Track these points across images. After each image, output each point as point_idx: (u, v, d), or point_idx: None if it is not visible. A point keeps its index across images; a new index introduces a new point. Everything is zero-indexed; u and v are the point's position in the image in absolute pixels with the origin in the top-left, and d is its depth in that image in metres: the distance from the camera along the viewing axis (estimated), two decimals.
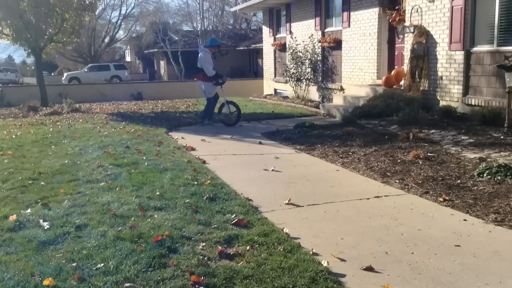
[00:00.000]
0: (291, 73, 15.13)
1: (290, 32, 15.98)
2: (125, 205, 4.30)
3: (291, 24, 16.00)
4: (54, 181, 5.30)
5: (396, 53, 11.41)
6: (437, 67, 9.32)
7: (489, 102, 8.07)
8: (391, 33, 11.46)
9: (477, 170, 5.15)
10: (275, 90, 18.10)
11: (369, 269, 2.97)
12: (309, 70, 14.59)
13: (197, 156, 6.51)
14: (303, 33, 15.05)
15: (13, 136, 9.10)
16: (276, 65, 18.01)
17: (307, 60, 14.59)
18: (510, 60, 7.33)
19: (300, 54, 14.77)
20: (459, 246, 3.32)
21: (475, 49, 8.55)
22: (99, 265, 3.04)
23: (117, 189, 4.86)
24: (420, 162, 5.74)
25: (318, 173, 5.63)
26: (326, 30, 14.01)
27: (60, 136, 8.80)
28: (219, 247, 3.30)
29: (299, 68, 14.82)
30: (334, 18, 13.71)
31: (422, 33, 9.51)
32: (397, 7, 10.73)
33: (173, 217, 3.95)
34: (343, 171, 5.69)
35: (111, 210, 4.14)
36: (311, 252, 3.22)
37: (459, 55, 8.77)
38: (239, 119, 10.09)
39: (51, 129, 9.95)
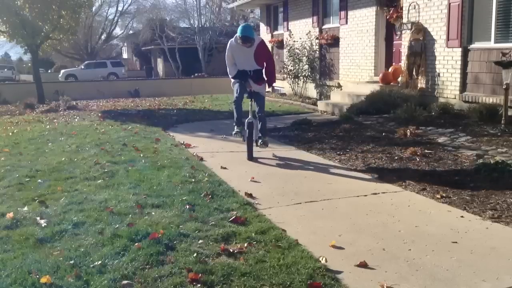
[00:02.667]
0: (288, 70, 15.11)
1: (288, 29, 15.95)
2: (122, 202, 4.30)
3: (289, 21, 15.97)
4: (51, 179, 5.29)
5: (393, 50, 11.41)
6: (435, 64, 9.32)
7: (486, 99, 8.08)
8: (388, 30, 11.45)
9: (474, 166, 5.16)
10: (272, 87, 18.06)
11: (367, 265, 2.98)
12: (306, 67, 14.57)
13: (194, 154, 6.50)
14: (301, 30, 15.02)
15: (10, 134, 9.07)
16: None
17: (304, 57, 14.57)
18: (507, 57, 7.35)
19: (298, 51, 14.75)
20: (456, 242, 3.32)
21: (472, 46, 8.56)
22: (96, 263, 3.03)
23: (114, 186, 4.85)
24: (418, 159, 5.75)
25: (315, 170, 5.62)
26: (324, 27, 14.00)
27: (57, 133, 8.77)
28: (217, 245, 3.30)
29: (296, 65, 14.81)
30: (331, 15, 13.69)
31: (420, 30, 9.51)
32: (394, 4, 10.73)
33: (170, 214, 3.94)
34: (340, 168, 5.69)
35: (108, 207, 4.14)
36: (308, 249, 3.22)
37: (457, 52, 8.77)
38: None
39: (48, 126, 9.92)
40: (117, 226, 3.68)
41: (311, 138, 7.56)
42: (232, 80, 6.45)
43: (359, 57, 12.20)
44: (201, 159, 6.19)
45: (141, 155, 6.39)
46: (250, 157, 6.18)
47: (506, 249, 3.20)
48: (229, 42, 6.30)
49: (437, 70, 9.28)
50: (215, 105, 13.39)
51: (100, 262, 3.04)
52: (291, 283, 2.76)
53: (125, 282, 2.79)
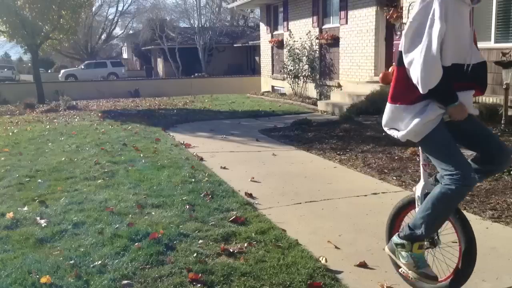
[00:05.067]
0: (288, 70, 15.11)
1: (288, 29, 15.95)
2: (122, 202, 4.30)
3: (289, 21, 15.97)
4: (51, 179, 5.29)
5: (393, 50, 11.41)
6: None
7: (486, 99, 8.08)
8: (388, 30, 11.45)
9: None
10: (272, 87, 18.09)
11: (366, 265, 2.98)
12: (306, 67, 14.57)
13: (194, 154, 6.51)
14: (301, 30, 15.02)
15: (10, 134, 9.07)
16: (273, 62, 17.99)
17: (304, 57, 14.57)
18: (507, 57, 7.34)
19: (298, 51, 14.75)
20: (456, 242, 3.32)
21: None
22: (96, 263, 3.03)
23: (114, 186, 4.85)
24: (418, 159, 5.75)
25: (315, 170, 5.63)
26: (324, 27, 14.00)
27: (57, 133, 8.78)
28: (217, 245, 3.30)
29: (296, 65, 14.80)
30: (331, 15, 13.69)
31: None
32: (394, 4, 10.72)
33: (170, 214, 3.94)
34: (340, 168, 5.69)
35: (108, 207, 4.14)
36: (308, 249, 3.22)
37: None
38: None
39: (48, 126, 9.92)
40: (117, 226, 3.69)
41: (311, 138, 7.56)
42: (425, 112, 2.45)
43: (359, 57, 12.20)
44: (201, 159, 6.19)
45: (141, 155, 6.39)
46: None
47: (506, 249, 3.20)
48: None
49: None
50: (215, 105, 13.40)
51: (100, 262, 3.04)
52: (291, 283, 2.76)
53: (125, 282, 2.79)
